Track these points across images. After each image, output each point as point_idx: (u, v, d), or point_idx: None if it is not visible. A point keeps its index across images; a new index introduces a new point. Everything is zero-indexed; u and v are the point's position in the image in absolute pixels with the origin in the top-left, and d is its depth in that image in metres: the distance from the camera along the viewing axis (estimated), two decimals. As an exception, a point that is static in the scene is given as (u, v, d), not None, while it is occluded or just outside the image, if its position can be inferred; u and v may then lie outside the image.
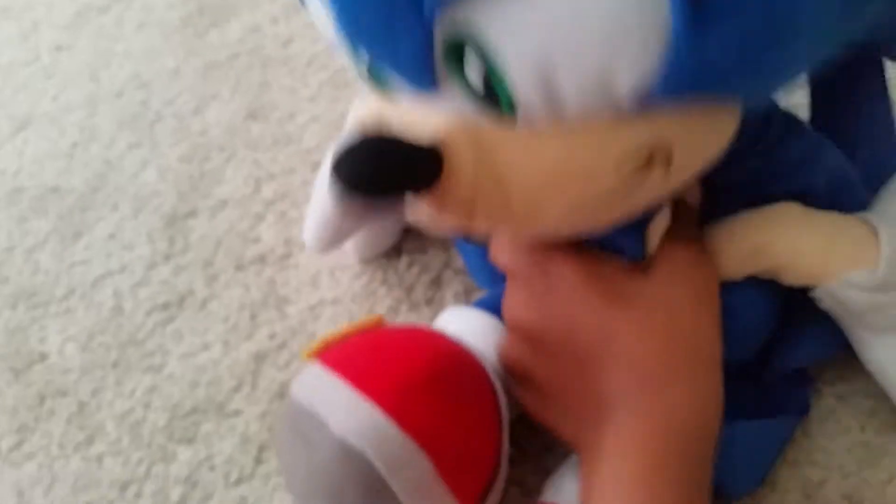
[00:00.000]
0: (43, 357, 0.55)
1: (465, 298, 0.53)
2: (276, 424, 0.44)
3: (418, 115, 0.33)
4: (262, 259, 0.57)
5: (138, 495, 0.48)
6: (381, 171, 0.31)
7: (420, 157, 0.32)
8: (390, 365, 0.39)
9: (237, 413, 0.50)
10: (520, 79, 0.30)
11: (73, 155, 0.64)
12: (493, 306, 0.46)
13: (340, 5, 0.31)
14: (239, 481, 0.48)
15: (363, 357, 0.40)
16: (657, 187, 0.34)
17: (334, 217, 0.48)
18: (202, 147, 0.63)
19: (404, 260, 0.55)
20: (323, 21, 0.33)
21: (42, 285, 0.58)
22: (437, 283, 0.54)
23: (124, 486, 0.49)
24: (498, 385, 0.42)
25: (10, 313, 0.57)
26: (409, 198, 0.34)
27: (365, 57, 0.33)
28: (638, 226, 0.39)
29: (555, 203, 0.34)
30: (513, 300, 0.42)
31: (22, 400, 0.53)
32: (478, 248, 0.52)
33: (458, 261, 0.55)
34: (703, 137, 0.34)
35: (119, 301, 0.56)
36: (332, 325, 0.53)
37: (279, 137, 0.62)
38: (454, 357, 0.41)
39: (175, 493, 0.48)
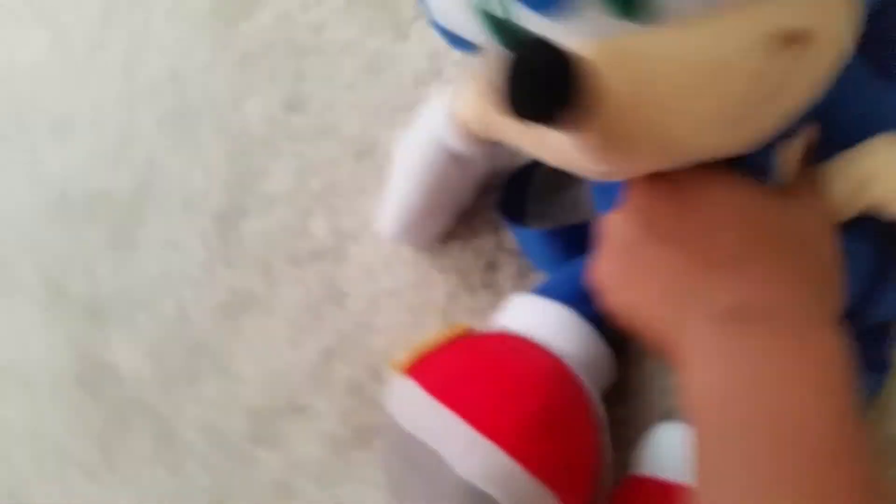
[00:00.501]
0: (113, 370, 0.56)
1: (520, 281, 0.54)
2: (382, 444, 0.45)
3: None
4: (316, 254, 0.58)
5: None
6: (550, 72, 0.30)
7: (576, 66, 0.30)
8: (498, 394, 0.39)
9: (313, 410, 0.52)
10: None
11: (117, 157, 0.64)
12: (558, 293, 0.46)
13: None
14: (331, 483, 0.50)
15: (468, 383, 0.40)
16: (800, 81, 0.34)
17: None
18: (245, 143, 0.63)
19: (456, 244, 0.56)
20: None
21: (103, 297, 0.59)
22: (491, 266, 0.55)
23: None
24: (593, 394, 0.41)
25: (75, 325, 0.58)
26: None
27: None
28: (772, 148, 0.40)
29: (706, 102, 0.33)
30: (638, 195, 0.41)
31: (98, 415, 0.55)
32: (535, 232, 0.53)
33: (510, 241, 0.55)
34: (836, 28, 0.34)
35: (181, 307, 0.57)
36: (393, 316, 0.55)
37: (319, 128, 0.62)
38: (557, 376, 0.41)
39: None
